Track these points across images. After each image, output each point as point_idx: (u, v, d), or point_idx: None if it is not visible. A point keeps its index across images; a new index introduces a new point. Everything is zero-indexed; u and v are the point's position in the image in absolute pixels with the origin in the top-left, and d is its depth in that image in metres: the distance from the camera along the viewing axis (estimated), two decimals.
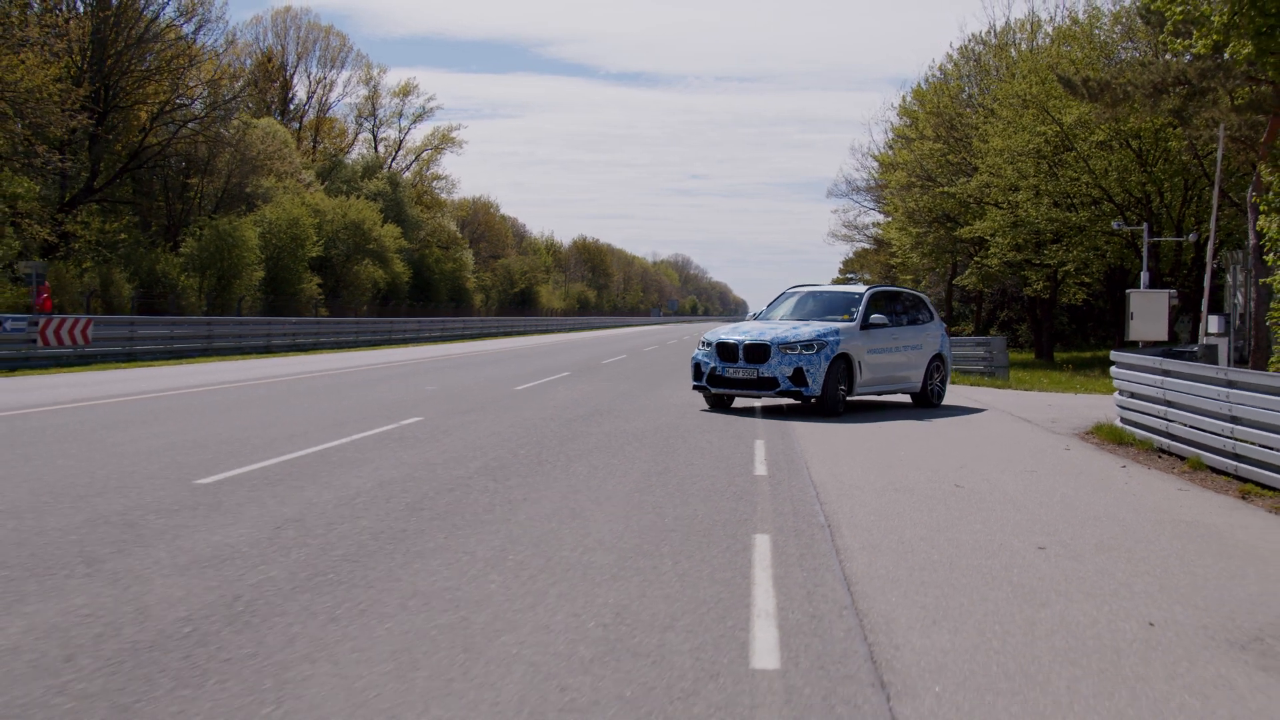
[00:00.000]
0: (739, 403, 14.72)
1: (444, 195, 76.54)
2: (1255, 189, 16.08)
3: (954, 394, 18.55)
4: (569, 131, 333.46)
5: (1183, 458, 10.19)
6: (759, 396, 14.14)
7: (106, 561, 5.14)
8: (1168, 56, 20.85)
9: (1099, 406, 15.66)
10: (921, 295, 17.01)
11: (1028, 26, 37.12)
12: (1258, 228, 14.98)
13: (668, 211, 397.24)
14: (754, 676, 3.79)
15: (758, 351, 13.41)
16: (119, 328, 23.41)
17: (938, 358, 15.80)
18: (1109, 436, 11.99)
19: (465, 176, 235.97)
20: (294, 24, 62.84)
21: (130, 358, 23.10)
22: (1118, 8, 30.10)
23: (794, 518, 6.76)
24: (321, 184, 54.74)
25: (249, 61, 56.68)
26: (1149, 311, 21.04)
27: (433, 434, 10.51)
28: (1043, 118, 29.17)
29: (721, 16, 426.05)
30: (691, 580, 5.09)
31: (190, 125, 38.82)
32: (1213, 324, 18.05)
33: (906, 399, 16.07)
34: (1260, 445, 8.63)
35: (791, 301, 15.52)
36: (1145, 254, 23.86)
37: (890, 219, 45.52)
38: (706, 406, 14.26)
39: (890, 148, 47.17)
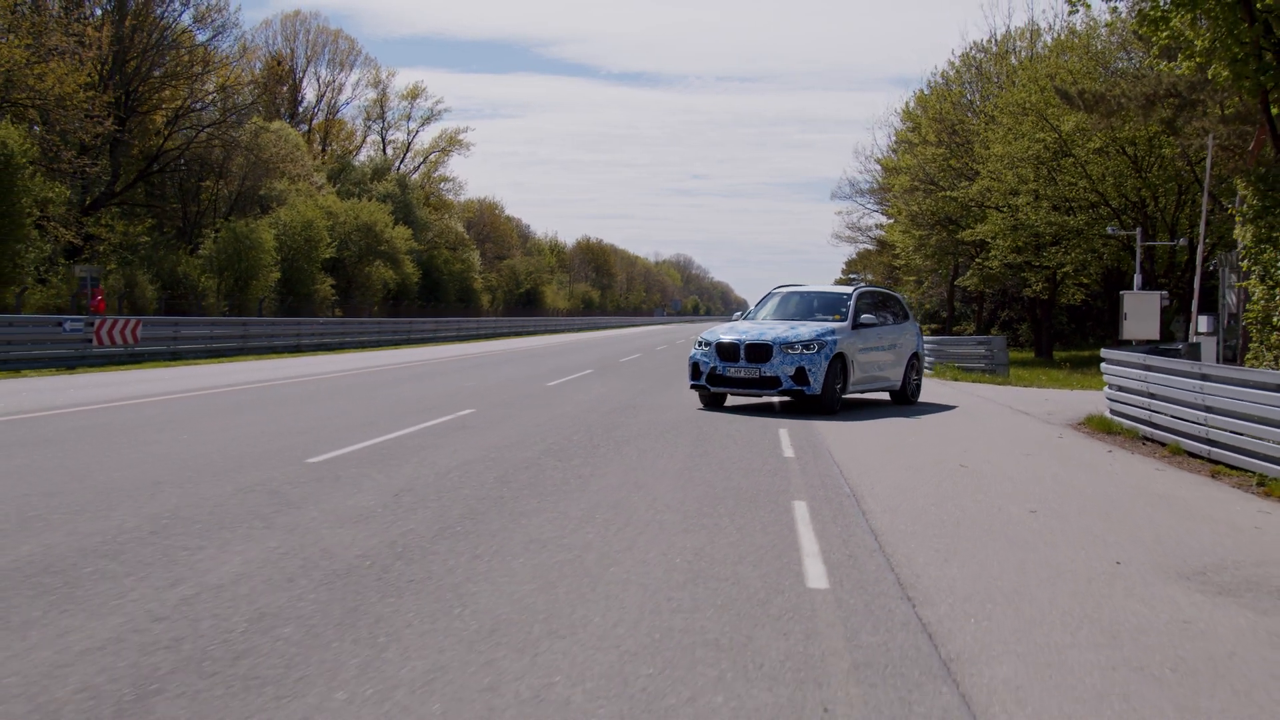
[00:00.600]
0: (751, 400, 15.14)
1: (451, 197, 77.97)
2: (1235, 200, 17.20)
3: (956, 390, 19.76)
4: (570, 131, 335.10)
5: (1163, 444, 11.39)
6: (759, 395, 14.37)
7: (275, 518, 6.33)
8: (1161, 67, 21.96)
9: (1092, 401, 16.80)
10: (898, 295, 17.46)
11: (1028, 35, 38.39)
12: (1233, 236, 16.13)
13: (668, 211, 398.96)
14: (811, 593, 4.99)
15: (760, 351, 13.67)
16: (165, 328, 24.65)
17: (915, 356, 16.29)
18: (1099, 426, 13.18)
19: (469, 178, 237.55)
20: (303, 27, 64.23)
21: (174, 356, 24.32)
22: (1114, 19, 31.27)
23: (823, 489, 7.96)
24: (332, 186, 55.82)
25: (259, 65, 57.90)
26: (1141, 311, 22.19)
27: (489, 423, 11.71)
28: (1042, 125, 30.38)
29: (722, 16, 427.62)
30: (749, 532, 6.29)
31: (206, 130, 39.89)
32: (1202, 323, 19.21)
33: (886, 397, 16.51)
34: (1229, 431, 9.84)
35: (776, 301, 15.80)
36: (1139, 257, 25.03)
37: (893, 221, 46.74)
38: (701, 405, 14.37)
39: (893, 151, 48.39)
